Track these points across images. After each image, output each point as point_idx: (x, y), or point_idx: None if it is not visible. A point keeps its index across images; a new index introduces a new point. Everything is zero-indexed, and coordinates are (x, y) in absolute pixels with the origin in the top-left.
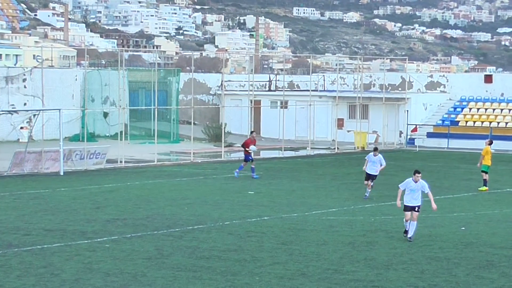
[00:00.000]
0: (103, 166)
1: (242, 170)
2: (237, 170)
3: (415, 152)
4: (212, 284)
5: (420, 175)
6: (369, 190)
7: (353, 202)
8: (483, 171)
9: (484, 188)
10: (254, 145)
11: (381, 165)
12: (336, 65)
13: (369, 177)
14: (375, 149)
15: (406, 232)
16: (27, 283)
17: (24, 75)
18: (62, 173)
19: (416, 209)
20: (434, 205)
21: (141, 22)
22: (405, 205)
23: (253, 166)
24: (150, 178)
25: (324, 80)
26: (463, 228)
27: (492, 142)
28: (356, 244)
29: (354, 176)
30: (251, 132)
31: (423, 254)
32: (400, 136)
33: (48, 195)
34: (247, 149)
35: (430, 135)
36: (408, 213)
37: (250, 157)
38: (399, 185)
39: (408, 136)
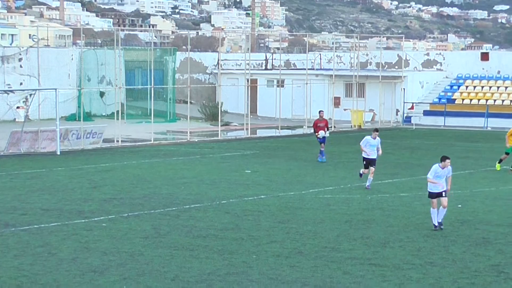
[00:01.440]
0: (99, 146)
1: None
2: (319, 157)
3: (411, 130)
4: (209, 262)
5: (449, 160)
6: (372, 177)
7: (350, 180)
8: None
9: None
10: (326, 125)
11: (378, 149)
12: (333, 43)
13: (369, 162)
14: (376, 130)
15: (435, 227)
16: (25, 263)
17: (20, 54)
18: (58, 153)
19: (443, 195)
20: (448, 189)
21: (137, 1)
22: (430, 192)
23: (322, 148)
24: (146, 157)
25: (320, 58)
26: (460, 205)
27: None
28: (353, 222)
29: (351, 155)
30: (319, 112)
31: (420, 232)
32: (397, 115)
33: (45, 174)
34: (316, 134)
35: (426, 113)
36: (435, 200)
37: (320, 139)
38: (428, 175)
39: (405, 114)
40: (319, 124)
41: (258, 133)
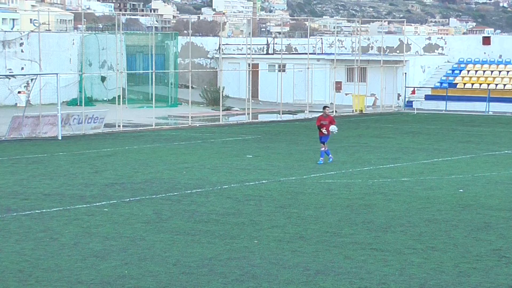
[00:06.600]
0: (101, 131)
1: (327, 156)
2: (320, 159)
3: (413, 114)
4: (211, 247)
5: None
6: None
7: (351, 165)
8: None
9: None
10: (332, 122)
11: None
12: (334, 28)
13: None
14: None
15: None
16: (26, 247)
17: (21, 39)
18: (60, 138)
19: None
20: None
21: None
22: None
23: (322, 149)
24: (148, 142)
25: (322, 43)
26: (461, 190)
27: None
28: (354, 207)
29: (352, 139)
30: (323, 108)
31: (421, 217)
32: (398, 99)
33: (46, 159)
34: (322, 130)
35: (428, 97)
36: None
37: (322, 138)
38: None
39: (406, 99)
40: (323, 121)
41: (260, 118)
